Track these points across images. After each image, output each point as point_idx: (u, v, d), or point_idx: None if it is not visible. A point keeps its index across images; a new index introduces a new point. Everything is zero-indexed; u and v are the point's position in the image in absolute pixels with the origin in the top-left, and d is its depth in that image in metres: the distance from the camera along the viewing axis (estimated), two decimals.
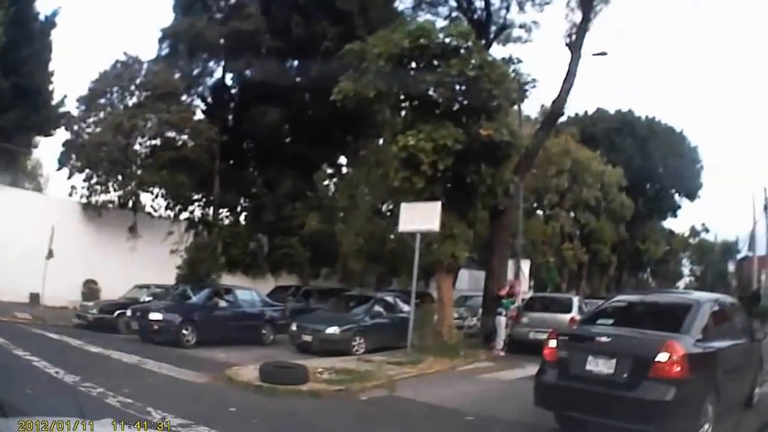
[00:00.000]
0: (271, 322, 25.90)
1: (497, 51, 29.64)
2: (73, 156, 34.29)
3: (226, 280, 34.85)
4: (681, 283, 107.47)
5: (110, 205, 35.04)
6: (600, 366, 9.95)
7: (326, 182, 43.23)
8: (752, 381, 12.87)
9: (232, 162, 42.02)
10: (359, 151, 39.97)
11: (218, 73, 41.96)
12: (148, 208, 38.11)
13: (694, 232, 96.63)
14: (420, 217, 21.18)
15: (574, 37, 30.03)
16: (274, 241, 41.09)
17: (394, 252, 30.78)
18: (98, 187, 34.30)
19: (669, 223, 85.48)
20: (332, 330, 22.40)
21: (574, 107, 78.35)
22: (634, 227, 68.75)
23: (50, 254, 28.67)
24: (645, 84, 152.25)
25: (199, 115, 40.41)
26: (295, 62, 40.24)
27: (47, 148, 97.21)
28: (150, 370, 16.44)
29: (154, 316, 22.46)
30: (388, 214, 31.71)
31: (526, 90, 25.11)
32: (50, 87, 34.78)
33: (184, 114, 36.76)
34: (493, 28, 32.87)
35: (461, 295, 35.89)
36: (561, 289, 53.57)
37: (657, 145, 70.04)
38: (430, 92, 23.62)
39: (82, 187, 34.25)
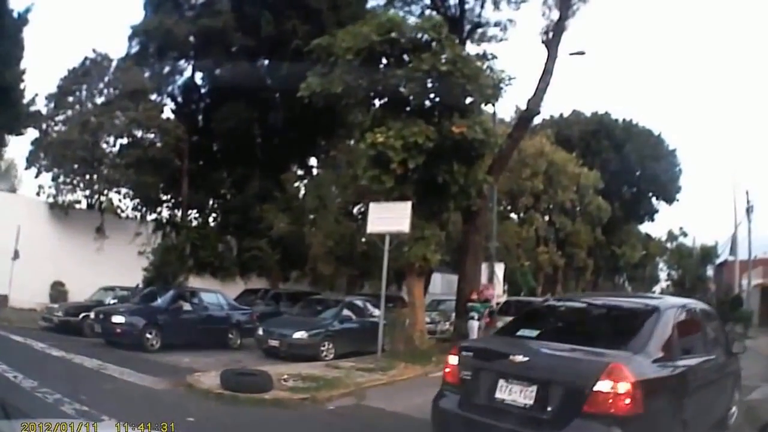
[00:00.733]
0: (237, 326, 25.33)
1: (471, 50, 29.05)
2: (42, 155, 33.97)
3: (195, 282, 34.45)
4: (658, 288, 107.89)
5: (77, 205, 34.70)
6: (514, 394, 7.48)
7: (296, 183, 42.73)
8: (728, 402, 10.68)
9: (201, 162, 41.79)
10: (329, 151, 39.74)
11: (188, 72, 41.93)
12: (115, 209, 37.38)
13: (671, 236, 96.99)
14: (389, 217, 20.47)
15: (551, 35, 29.61)
16: (243, 243, 40.62)
17: (364, 254, 30.46)
18: (65, 187, 33.99)
19: (646, 227, 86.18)
20: (300, 335, 21.79)
21: (549, 109, 78.63)
22: (611, 231, 68.86)
23: (16, 255, 28.25)
24: (622, 86, 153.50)
25: (168, 115, 40.19)
26: (266, 61, 39.95)
27: (20, 148, 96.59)
28: (110, 376, 15.88)
29: (117, 319, 21.77)
30: (359, 216, 31.34)
31: (501, 87, 24.36)
32: (21, 85, 34.01)
33: (151, 112, 36.13)
34: (467, 27, 32.42)
35: (434, 299, 35.63)
36: (536, 293, 53.10)
37: (634, 147, 70.45)
38: (401, 88, 23.02)
39: (49, 187, 34.01)
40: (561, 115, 73.92)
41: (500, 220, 43.51)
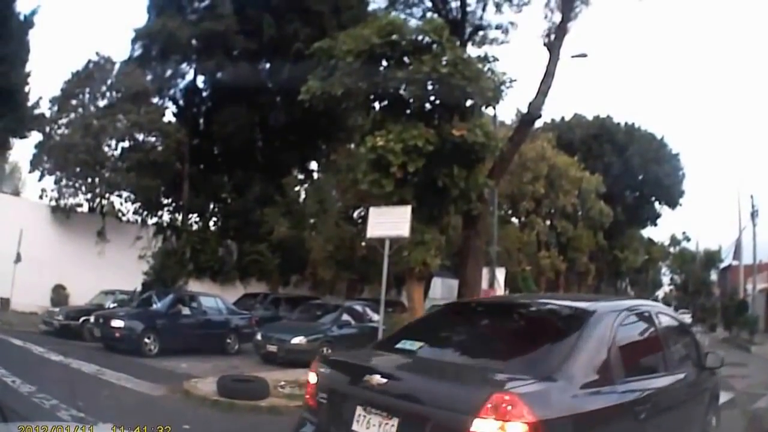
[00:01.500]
0: (236, 330, 25.27)
1: (473, 53, 28.89)
2: (45, 158, 33.99)
3: (194, 286, 34.61)
4: (660, 292, 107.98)
5: (79, 209, 34.74)
6: (372, 428, 5.45)
7: (297, 187, 42.76)
8: (701, 427, 8.02)
9: (202, 166, 41.81)
10: (330, 155, 39.61)
11: (190, 76, 41.66)
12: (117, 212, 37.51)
13: (674, 241, 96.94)
14: (389, 222, 20.24)
15: (553, 37, 29.48)
16: (243, 247, 40.52)
17: (364, 259, 30.37)
18: (67, 190, 34.02)
19: (649, 232, 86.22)
20: (298, 340, 21.72)
21: (551, 112, 78.64)
22: (613, 235, 68.85)
23: (18, 258, 28.34)
24: (624, 89, 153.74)
25: (170, 118, 40.29)
26: (267, 64, 39.88)
27: (24, 151, 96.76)
28: (107, 381, 15.78)
29: (116, 323, 21.72)
30: (359, 220, 31.20)
31: (502, 90, 24.20)
32: (26, 88, 33.99)
33: (153, 116, 36.15)
34: (469, 29, 32.21)
35: (434, 304, 35.32)
36: None
37: (637, 151, 70.37)
38: (401, 91, 22.91)
39: (52, 190, 34.13)
40: (563, 118, 74.06)
41: (501, 225, 43.39)
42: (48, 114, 35.37)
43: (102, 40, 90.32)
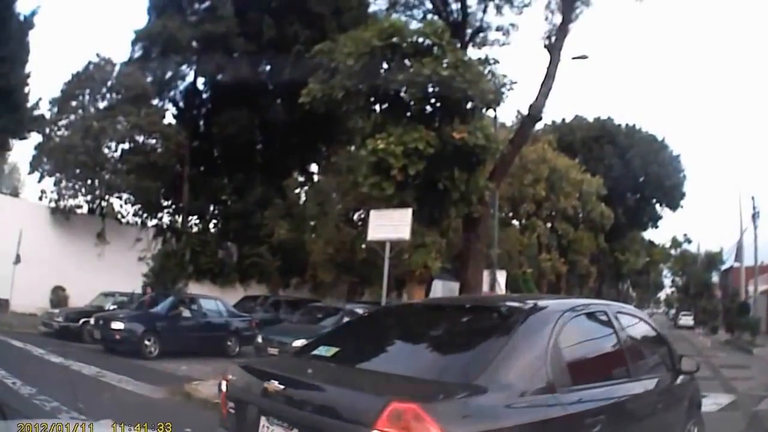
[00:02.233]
0: (236, 333, 25.08)
1: (473, 55, 28.94)
2: (44, 159, 33.91)
3: (194, 289, 34.39)
4: (662, 294, 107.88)
5: (79, 210, 34.64)
6: None
7: (297, 190, 42.68)
8: None
9: (202, 168, 41.79)
10: (330, 158, 39.55)
11: (190, 77, 41.61)
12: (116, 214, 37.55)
13: (675, 243, 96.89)
14: (390, 224, 20.25)
15: (553, 39, 29.53)
16: (243, 250, 40.44)
17: (365, 262, 30.20)
18: (67, 192, 33.90)
19: (650, 234, 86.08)
20: (299, 343, 21.36)
21: (551, 114, 78.67)
22: (614, 238, 68.82)
23: (18, 259, 28.13)
24: (625, 91, 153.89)
25: (170, 120, 40.31)
26: (267, 66, 39.75)
27: (23, 152, 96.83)
28: (108, 383, 15.58)
29: (116, 325, 21.49)
30: (359, 223, 31.14)
31: (503, 92, 24.27)
32: (26, 89, 33.94)
33: (153, 118, 36.07)
34: (470, 31, 32.31)
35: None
36: None
37: (637, 153, 70.30)
38: (402, 93, 23.08)
39: (51, 191, 34.01)
40: (563, 120, 74.07)
41: (502, 227, 43.26)
42: (48, 115, 35.32)
43: (102, 41, 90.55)
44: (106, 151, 35.01)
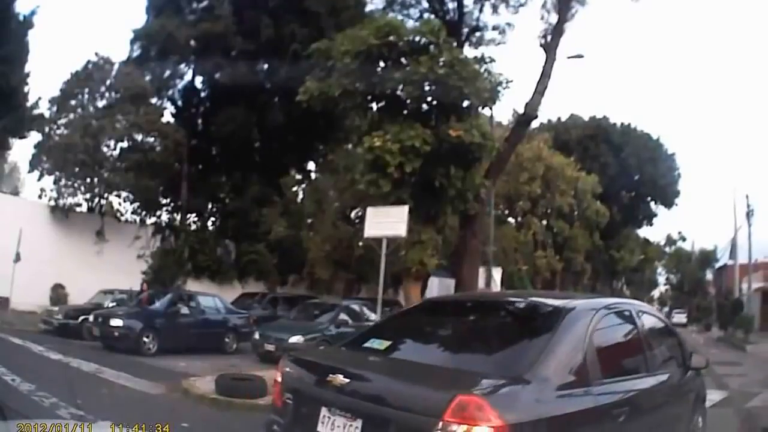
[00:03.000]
0: (234, 329, 25.24)
1: (469, 54, 29.09)
2: (44, 158, 33.96)
3: (193, 286, 34.64)
4: (656, 292, 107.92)
5: (78, 209, 34.72)
6: (337, 430, 5.23)
7: (294, 188, 42.80)
8: (687, 429, 7.69)
9: (200, 166, 41.92)
10: (328, 156, 39.65)
11: (188, 76, 41.85)
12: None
13: (670, 241, 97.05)
14: (386, 222, 20.36)
15: (549, 38, 29.69)
16: (241, 247, 40.55)
17: (362, 259, 30.34)
18: (66, 190, 33.97)
19: (645, 232, 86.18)
20: (295, 339, 21.63)
21: (547, 113, 78.67)
22: (609, 235, 68.86)
23: (17, 258, 28.16)
24: (620, 90, 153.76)
25: (168, 118, 40.47)
26: (265, 65, 39.78)
27: (23, 151, 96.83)
28: (106, 380, 15.76)
29: (115, 322, 21.69)
30: (356, 220, 31.26)
31: (499, 91, 24.38)
32: (26, 88, 34.07)
33: (152, 116, 36.20)
34: (466, 30, 32.47)
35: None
36: None
37: (633, 152, 70.51)
38: (398, 91, 23.07)
39: (51, 190, 34.06)
40: (559, 119, 74.12)
41: (498, 225, 43.37)
42: (47, 114, 35.39)
43: (101, 40, 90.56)
44: (105, 149, 35.16)
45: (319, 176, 42.02)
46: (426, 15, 32.16)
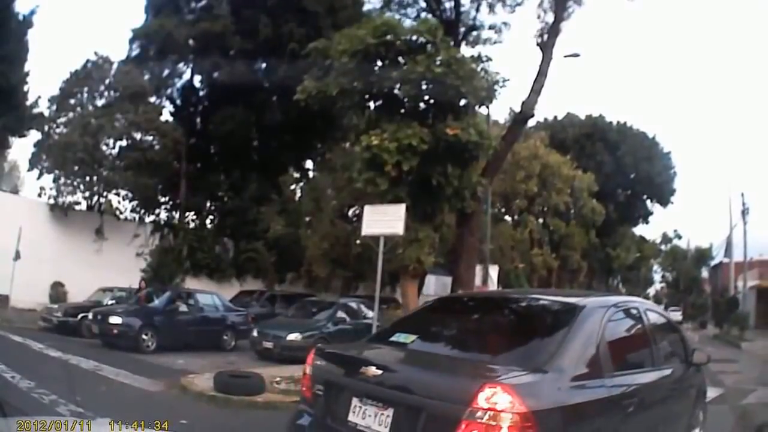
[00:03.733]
0: (232, 327, 25.36)
1: (466, 53, 29.18)
2: (44, 156, 34.08)
3: (191, 284, 34.81)
4: (652, 290, 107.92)
5: (77, 207, 34.78)
6: (368, 419, 5.52)
7: (292, 186, 42.86)
8: (687, 427, 8.05)
9: (199, 165, 42.08)
10: (325, 154, 39.77)
11: (187, 75, 42.06)
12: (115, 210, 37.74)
13: (666, 239, 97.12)
14: (384, 220, 20.35)
15: (545, 37, 29.74)
16: (240, 245, 40.73)
17: (359, 257, 30.37)
18: (65, 188, 34.02)
19: (640, 230, 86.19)
20: (293, 336, 21.84)
21: (544, 112, 78.82)
22: (605, 233, 68.94)
23: (17, 256, 28.26)
24: (616, 89, 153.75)
25: (167, 117, 40.63)
26: (263, 64, 39.90)
27: (23, 150, 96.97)
28: (105, 377, 15.88)
29: (114, 319, 21.83)
30: (354, 218, 31.33)
31: (496, 89, 24.47)
32: (25, 87, 34.19)
33: (150, 115, 36.29)
34: (463, 29, 32.50)
35: (427, 300, 35.35)
36: None
37: (628, 150, 70.63)
38: (396, 90, 23.10)
39: (50, 188, 34.12)
40: (555, 117, 74.29)
41: (494, 223, 43.54)
42: (47, 113, 35.55)
43: (100, 40, 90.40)
44: (104, 148, 35.25)
45: (317, 175, 42.03)
46: (423, 14, 32.16)
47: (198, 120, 43.02)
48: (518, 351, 5.95)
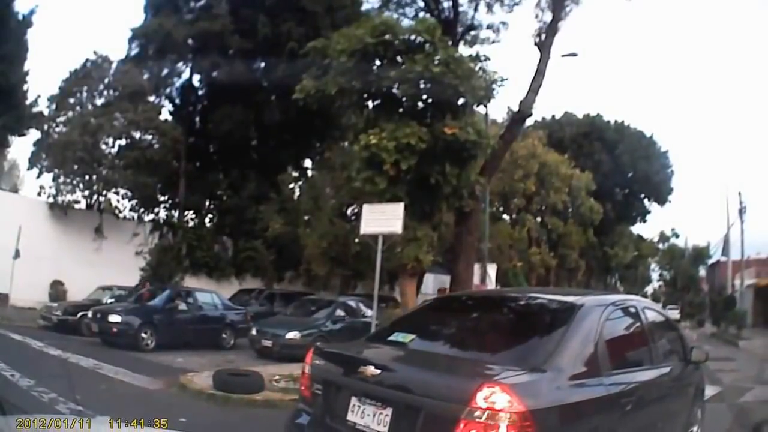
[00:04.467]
0: (231, 325, 25.35)
1: (464, 52, 29.20)
2: (43, 155, 34.15)
3: (191, 282, 34.76)
4: (650, 288, 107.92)
5: (76, 206, 34.84)
6: (367, 418, 5.54)
7: (291, 185, 42.91)
8: (685, 425, 8.06)
9: (198, 164, 42.10)
10: (324, 153, 39.84)
11: (186, 74, 41.89)
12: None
13: (663, 237, 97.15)
14: (382, 219, 20.36)
15: (543, 36, 29.79)
16: (239, 244, 40.80)
17: (358, 255, 30.47)
18: (65, 187, 34.07)
19: (638, 228, 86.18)
20: (292, 335, 21.80)
21: (542, 111, 78.82)
22: (603, 232, 68.99)
23: (17, 254, 28.24)
24: (614, 88, 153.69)
25: (166, 116, 40.66)
26: (262, 63, 39.85)
27: (22, 148, 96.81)
28: (105, 375, 15.87)
29: (114, 318, 21.77)
30: (353, 217, 31.38)
31: (494, 89, 24.52)
32: (25, 86, 34.23)
33: (150, 114, 36.35)
34: (461, 29, 32.57)
35: (425, 299, 35.34)
36: None
37: (626, 149, 70.73)
38: (394, 89, 23.13)
39: (50, 187, 34.13)
40: (553, 116, 74.33)
41: (492, 221, 43.51)
42: (46, 112, 35.61)
43: (99, 39, 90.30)
44: (103, 147, 35.31)
45: (316, 174, 42.08)
46: (421, 14, 32.25)
47: (197, 119, 43.00)
48: (516, 350, 5.98)
